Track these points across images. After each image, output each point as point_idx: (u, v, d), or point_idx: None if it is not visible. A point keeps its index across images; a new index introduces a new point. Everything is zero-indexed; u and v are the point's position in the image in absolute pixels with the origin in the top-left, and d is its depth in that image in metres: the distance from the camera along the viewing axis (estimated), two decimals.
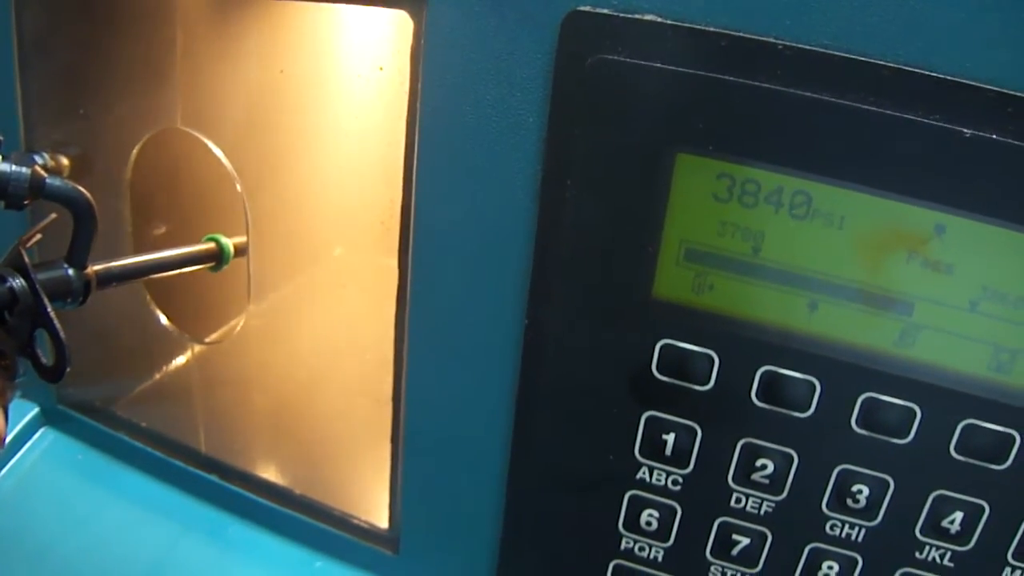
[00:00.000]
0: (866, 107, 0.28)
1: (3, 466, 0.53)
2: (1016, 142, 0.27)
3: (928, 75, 0.27)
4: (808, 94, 0.28)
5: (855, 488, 0.32)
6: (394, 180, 0.38)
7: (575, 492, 0.37)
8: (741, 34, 0.29)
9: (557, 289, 0.34)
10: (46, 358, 0.36)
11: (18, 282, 0.35)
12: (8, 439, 0.53)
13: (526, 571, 0.40)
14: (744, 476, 0.33)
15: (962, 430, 0.30)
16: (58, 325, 0.35)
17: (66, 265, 0.38)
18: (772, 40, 0.28)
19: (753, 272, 0.31)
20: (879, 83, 0.28)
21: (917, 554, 0.32)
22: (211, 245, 0.49)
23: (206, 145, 0.49)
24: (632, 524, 0.36)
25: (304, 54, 0.46)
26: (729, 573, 0.35)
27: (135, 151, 0.51)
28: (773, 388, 0.32)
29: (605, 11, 0.30)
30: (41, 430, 0.56)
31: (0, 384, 0.34)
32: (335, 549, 0.47)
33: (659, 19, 0.30)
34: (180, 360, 0.57)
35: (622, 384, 0.34)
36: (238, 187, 0.49)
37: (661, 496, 0.35)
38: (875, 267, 0.30)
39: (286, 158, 0.49)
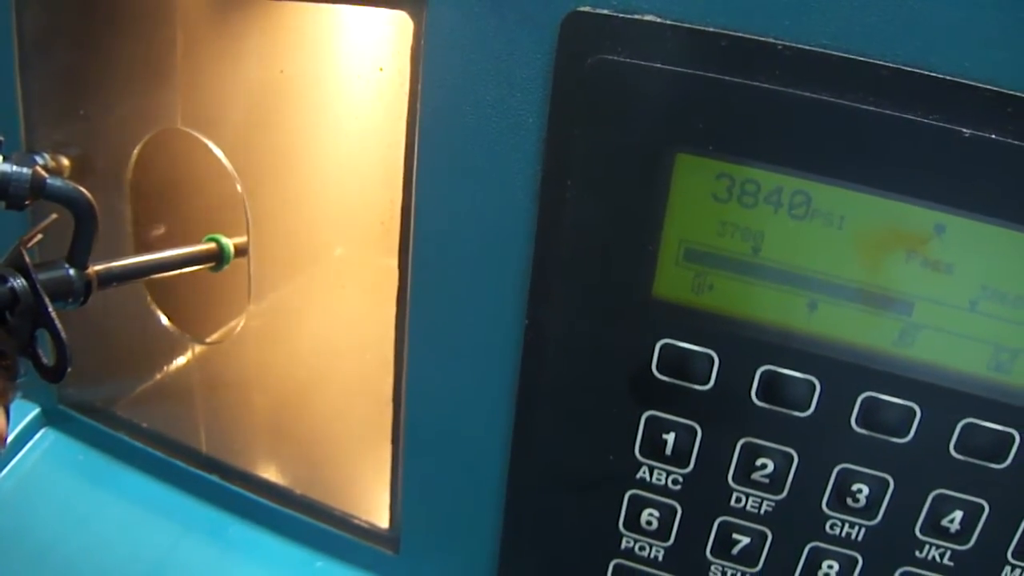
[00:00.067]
0: (865, 107, 0.28)
1: (4, 466, 0.53)
2: (1015, 142, 0.27)
3: (927, 75, 0.27)
4: (807, 94, 0.28)
5: (855, 487, 0.32)
6: (394, 180, 0.38)
7: (575, 492, 0.37)
8: (740, 34, 0.29)
9: (557, 289, 0.34)
10: (47, 358, 0.36)
11: (19, 282, 0.35)
12: (9, 439, 0.53)
13: (526, 570, 0.40)
14: (744, 475, 0.33)
15: (962, 429, 0.30)
16: (59, 325, 0.35)
17: (67, 265, 0.38)
18: (771, 40, 0.28)
19: (753, 272, 0.31)
20: (878, 83, 0.28)
21: (917, 553, 0.32)
22: (211, 245, 0.49)
23: (206, 145, 0.49)
24: (632, 523, 0.36)
25: (304, 54, 0.46)
26: (729, 572, 0.35)
27: (136, 151, 0.51)
28: (773, 388, 0.32)
29: (605, 11, 0.30)
30: (42, 430, 0.56)
31: (1, 384, 0.34)
32: (335, 549, 0.47)
33: (659, 19, 0.30)
34: (181, 360, 0.57)
35: (622, 384, 0.34)
36: (238, 187, 0.49)
37: (661, 495, 0.35)
38: (875, 267, 0.30)
39: (286, 158, 0.49)
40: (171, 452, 0.52)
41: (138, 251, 0.51)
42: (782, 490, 0.33)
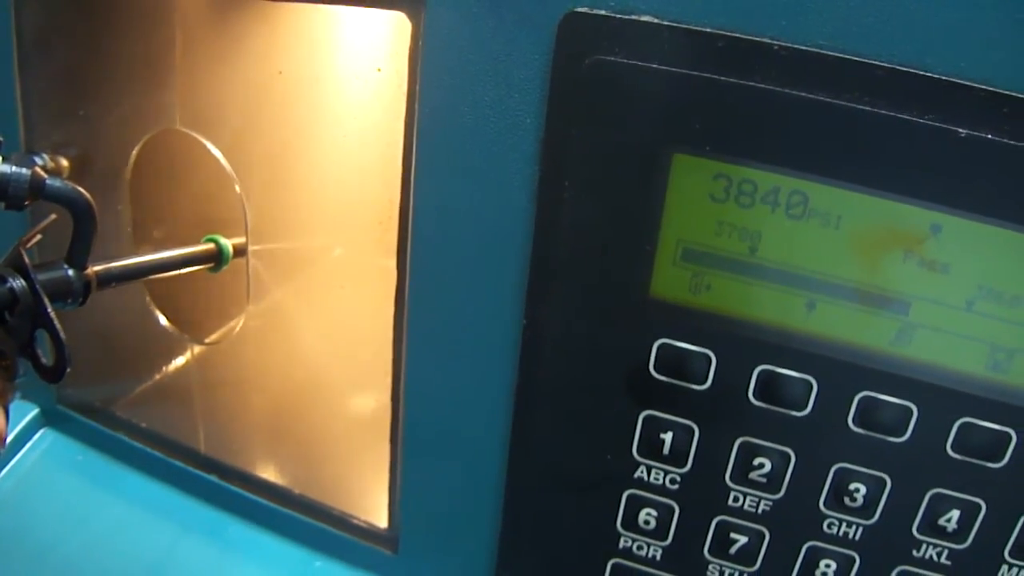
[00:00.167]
0: (862, 107, 0.28)
1: (3, 466, 0.53)
2: (1011, 142, 0.27)
3: (923, 75, 0.27)
4: (804, 94, 0.28)
5: (852, 487, 0.32)
6: (392, 181, 0.38)
7: (573, 491, 0.37)
8: (737, 35, 0.29)
9: (555, 289, 0.34)
10: (46, 358, 0.36)
11: (18, 283, 0.35)
12: (8, 440, 0.53)
13: (525, 570, 0.40)
14: (742, 475, 0.34)
15: (958, 429, 0.30)
16: (58, 325, 0.35)
17: (66, 266, 0.38)
18: (768, 41, 0.29)
19: (750, 272, 0.31)
20: (875, 83, 0.28)
21: (914, 552, 0.33)
22: (210, 246, 0.49)
23: (205, 146, 0.49)
24: (630, 523, 0.36)
25: (302, 55, 0.46)
26: (727, 572, 0.36)
27: (134, 152, 0.51)
28: (770, 387, 0.32)
29: (602, 12, 0.30)
30: (41, 431, 0.56)
31: (0, 384, 0.34)
32: (334, 548, 0.47)
33: (656, 20, 0.30)
34: (179, 360, 0.57)
35: (620, 383, 0.34)
36: (237, 188, 0.50)
37: (659, 495, 0.35)
38: (872, 267, 0.30)
39: (285, 159, 0.49)
40: (170, 452, 0.52)
41: (137, 252, 0.51)
42: (779, 489, 0.33)
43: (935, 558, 0.32)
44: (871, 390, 0.31)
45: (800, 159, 0.29)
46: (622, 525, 0.36)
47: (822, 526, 0.33)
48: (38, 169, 0.36)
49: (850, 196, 0.29)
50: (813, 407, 0.32)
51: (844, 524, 0.33)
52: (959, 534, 0.32)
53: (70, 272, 0.38)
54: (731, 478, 0.34)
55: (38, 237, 0.37)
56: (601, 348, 0.34)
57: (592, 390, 0.35)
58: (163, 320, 0.55)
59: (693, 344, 0.32)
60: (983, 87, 0.27)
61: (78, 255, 0.38)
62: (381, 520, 0.46)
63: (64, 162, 0.50)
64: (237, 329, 0.53)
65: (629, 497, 0.36)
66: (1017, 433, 0.30)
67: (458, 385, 0.38)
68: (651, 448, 0.34)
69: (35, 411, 0.56)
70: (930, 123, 0.27)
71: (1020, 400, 0.29)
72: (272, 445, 0.54)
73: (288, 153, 0.49)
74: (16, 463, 0.54)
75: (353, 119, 0.46)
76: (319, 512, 0.48)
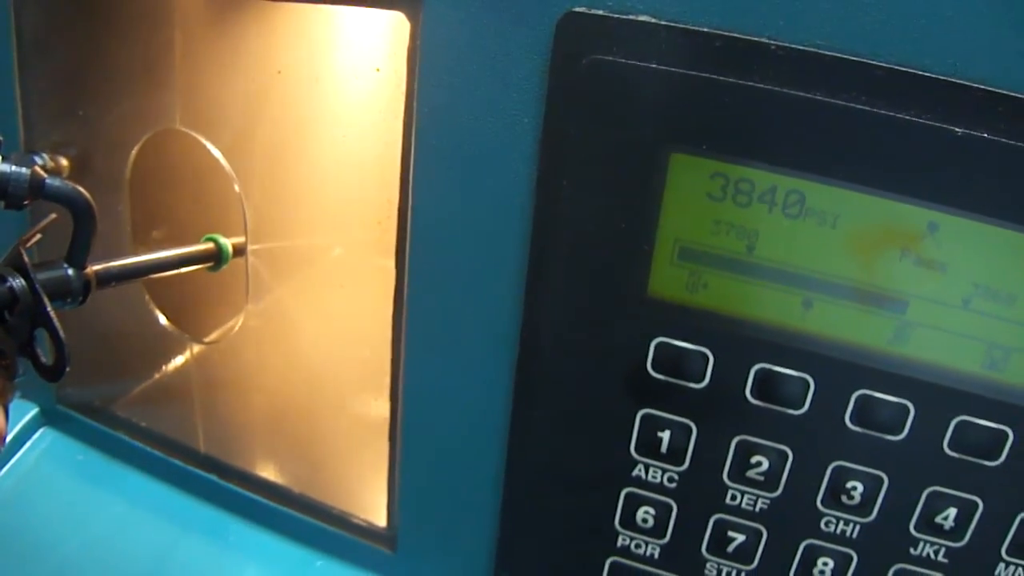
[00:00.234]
0: (859, 107, 0.28)
1: (3, 466, 0.53)
2: (1007, 140, 0.27)
3: (920, 75, 0.27)
4: (801, 94, 0.28)
5: (849, 485, 0.32)
6: (391, 180, 0.38)
7: (572, 490, 0.37)
8: (735, 35, 0.29)
9: (553, 288, 0.34)
10: (46, 357, 0.36)
11: (18, 282, 0.35)
12: (8, 439, 0.53)
13: (523, 568, 0.40)
14: (739, 473, 0.34)
15: (955, 427, 0.30)
16: (58, 324, 0.35)
17: (66, 265, 0.38)
18: (766, 40, 0.29)
19: (747, 271, 0.31)
20: (871, 83, 0.28)
21: (912, 550, 0.33)
22: (210, 245, 0.49)
23: (204, 146, 0.50)
24: (628, 521, 0.36)
25: (301, 55, 0.46)
26: (725, 570, 0.36)
27: (134, 152, 0.51)
28: (767, 386, 0.32)
29: (600, 12, 0.30)
30: (41, 430, 0.56)
31: (0, 383, 0.34)
32: (333, 547, 0.47)
33: (653, 20, 0.30)
34: (179, 360, 0.57)
35: (618, 382, 0.34)
36: (236, 187, 0.50)
37: (657, 493, 0.35)
38: (868, 265, 0.30)
39: (284, 158, 0.49)
40: (169, 451, 0.52)
41: (136, 251, 0.51)
42: (777, 488, 0.33)
43: (932, 556, 0.32)
44: (868, 388, 0.31)
45: (797, 158, 0.29)
46: (620, 523, 0.36)
47: (819, 524, 0.33)
48: (38, 168, 0.36)
49: (847, 195, 0.29)
50: (810, 405, 0.32)
51: (841, 522, 0.33)
52: (956, 532, 0.32)
53: (70, 271, 0.38)
54: (729, 476, 0.34)
55: (38, 236, 0.37)
56: (599, 347, 0.34)
57: (590, 389, 0.35)
58: (162, 319, 0.55)
59: (691, 343, 0.33)
60: (979, 86, 0.27)
61: (78, 254, 0.38)
62: (380, 519, 0.46)
63: (64, 162, 0.50)
64: (236, 328, 0.53)
65: (627, 495, 0.36)
66: (1014, 431, 0.30)
67: (456, 384, 0.38)
68: (649, 446, 0.35)
69: (35, 410, 0.56)
70: (927, 122, 0.27)
71: (1017, 398, 0.30)
72: (271, 444, 0.54)
73: (287, 153, 0.49)
74: (16, 462, 0.54)
75: (352, 119, 0.46)
76: (318, 511, 0.48)
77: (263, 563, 0.48)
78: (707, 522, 0.35)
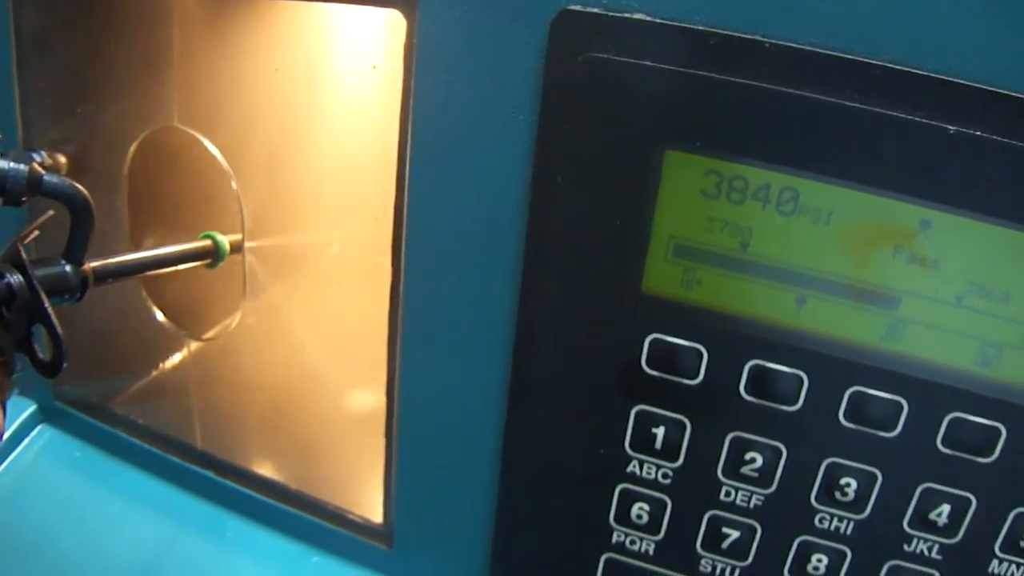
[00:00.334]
0: (852, 104, 0.28)
1: (1, 462, 0.53)
2: (999, 138, 0.27)
3: (913, 72, 0.27)
4: (795, 92, 0.29)
5: (843, 481, 0.32)
6: (388, 177, 0.38)
7: (567, 486, 0.37)
8: (729, 32, 0.29)
9: (548, 285, 0.34)
10: (43, 353, 0.36)
11: (16, 278, 0.35)
12: (6, 436, 0.54)
13: (518, 564, 0.40)
14: (733, 469, 0.34)
15: (949, 423, 0.30)
16: (55, 320, 0.35)
17: (63, 261, 0.38)
18: (760, 38, 0.29)
19: (741, 268, 0.31)
20: (865, 80, 0.28)
21: (905, 547, 0.33)
22: (207, 242, 0.50)
23: (202, 143, 0.50)
24: (623, 517, 0.36)
25: (298, 53, 0.46)
26: (719, 566, 0.36)
27: (132, 149, 0.51)
28: (761, 382, 0.32)
29: (595, 10, 0.30)
30: (38, 427, 0.56)
31: None
32: (329, 544, 0.47)
33: (648, 18, 0.30)
34: (176, 356, 0.57)
35: (612, 378, 0.34)
36: (233, 185, 0.50)
37: (651, 489, 0.35)
38: (862, 262, 0.30)
39: (281, 156, 0.49)
40: (167, 448, 0.52)
41: (134, 248, 0.51)
42: (771, 484, 0.33)
43: (926, 552, 0.33)
44: (862, 385, 0.31)
45: (791, 155, 0.29)
46: (615, 519, 0.37)
47: (813, 520, 0.33)
48: (36, 165, 0.36)
49: (841, 192, 0.29)
50: (804, 402, 0.32)
51: (835, 519, 0.33)
52: (950, 528, 0.32)
53: (67, 268, 0.38)
54: (723, 473, 0.34)
55: (36, 233, 0.37)
56: (594, 343, 0.34)
57: (585, 385, 0.35)
58: (160, 316, 0.55)
59: (685, 339, 0.33)
60: (973, 85, 0.27)
61: (75, 251, 0.38)
62: (376, 515, 0.46)
63: (62, 159, 0.50)
64: (233, 325, 0.53)
65: (622, 491, 0.36)
66: (1007, 428, 0.30)
67: (452, 381, 0.39)
68: (643, 443, 0.35)
69: (33, 407, 0.56)
70: (920, 120, 0.28)
71: (1010, 395, 0.30)
72: (268, 441, 0.54)
73: (284, 150, 0.49)
74: (14, 459, 0.54)
75: (349, 116, 0.46)
76: (315, 507, 0.48)
77: (260, 559, 0.48)
78: (701, 518, 0.35)
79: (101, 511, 0.51)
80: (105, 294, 0.43)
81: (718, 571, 0.36)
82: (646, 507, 0.36)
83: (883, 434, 0.31)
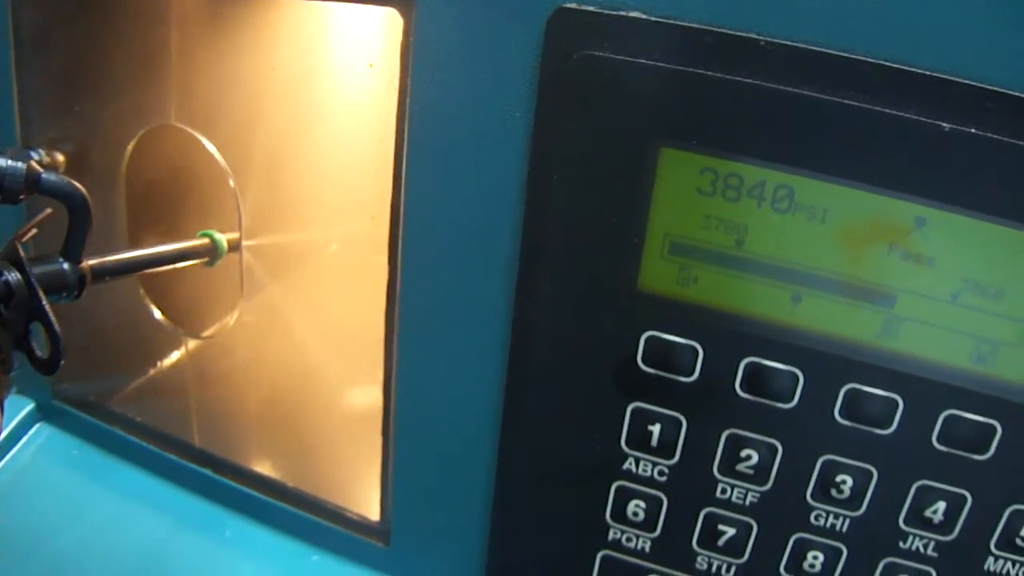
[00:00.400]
0: (848, 102, 0.28)
1: None
2: (995, 136, 0.27)
3: (908, 70, 0.27)
4: (790, 89, 0.29)
5: (839, 478, 0.32)
6: (385, 175, 0.38)
7: (563, 483, 0.37)
8: (725, 30, 0.29)
9: (544, 282, 0.34)
10: (41, 351, 0.36)
11: (14, 276, 0.35)
12: (4, 434, 0.54)
13: (515, 562, 0.40)
14: (729, 467, 0.34)
15: (944, 421, 0.30)
16: (53, 318, 0.35)
17: (61, 259, 0.38)
18: (755, 36, 0.29)
19: (737, 265, 0.31)
20: (860, 78, 0.28)
21: (901, 544, 0.33)
22: (205, 240, 0.50)
23: (200, 141, 0.50)
24: (619, 515, 0.36)
25: (296, 51, 0.46)
26: (715, 563, 0.36)
27: (130, 147, 0.51)
28: (757, 379, 0.32)
29: (591, 8, 0.30)
30: (37, 425, 0.56)
31: None
32: (327, 542, 0.47)
33: (644, 16, 0.30)
34: (174, 355, 0.57)
35: (608, 376, 0.34)
36: (231, 183, 0.50)
37: (647, 487, 0.36)
38: (857, 260, 0.30)
39: (278, 154, 0.49)
40: (165, 446, 0.52)
41: (132, 246, 0.51)
42: (767, 481, 0.34)
43: (921, 550, 0.33)
44: (857, 382, 0.31)
45: (786, 153, 0.29)
46: (611, 517, 0.37)
47: (809, 518, 0.34)
48: (34, 163, 0.36)
49: (836, 190, 0.29)
50: (800, 399, 0.32)
51: (831, 516, 0.33)
52: (945, 526, 0.32)
53: (65, 266, 0.38)
54: (719, 470, 0.34)
55: (34, 231, 0.38)
56: (590, 341, 0.34)
57: (581, 383, 0.35)
58: (157, 314, 0.55)
59: (680, 337, 0.33)
60: (967, 82, 0.27)
61: (73, 249, 0.38)
62: (373, 513, 0.46)
63: (60, 157, 0.50)
64: (231, 324, 0.53)
65: (618, 489, 0.36)
66: (1002, 425, 0.30)
67: (449, 379, 0.39)
68: (639, 440, 0.35)
69: (31, 406, 0.56)
70: (915, 117, 0.28)
71: (1005, 392, 0.30)
72: (266, 439, 0.54)
73: (282, 148, 0.49)
74: (12, 458, 0.54)
75: (346, 114, 0.46)
76: (312, 505, 0.48)
77: (258, 558, 0.48)
78: (697, 515, 0.35)
79: (99, 509, 0.51)
80: (103, 292, 0.43)
81: (714, 568, 0.36)
82: (642, 504, 0.36)
83: (878, 431, 0.31)
